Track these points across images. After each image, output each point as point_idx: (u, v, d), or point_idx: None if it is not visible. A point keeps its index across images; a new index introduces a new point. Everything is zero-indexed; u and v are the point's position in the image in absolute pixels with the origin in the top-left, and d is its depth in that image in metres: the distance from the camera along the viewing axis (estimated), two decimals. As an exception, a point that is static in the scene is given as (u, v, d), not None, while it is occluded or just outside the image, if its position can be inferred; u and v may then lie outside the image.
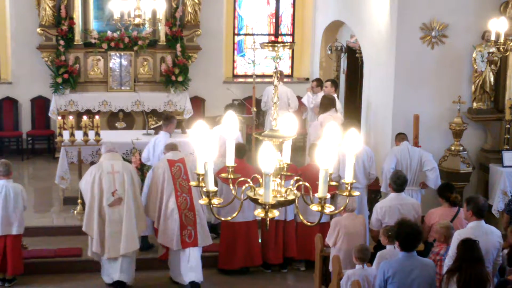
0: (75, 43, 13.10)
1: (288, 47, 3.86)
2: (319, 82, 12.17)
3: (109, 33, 13.16)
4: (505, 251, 6.68)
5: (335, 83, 11.89)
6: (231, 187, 3.82)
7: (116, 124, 13.08)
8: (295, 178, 3.93)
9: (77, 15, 13.05)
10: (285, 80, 13.00)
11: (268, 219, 3.58)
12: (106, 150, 8.61)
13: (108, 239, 8.24)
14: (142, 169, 10.00)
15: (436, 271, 6.32)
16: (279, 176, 3.83)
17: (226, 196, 8.48)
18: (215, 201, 3.72)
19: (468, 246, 5.83)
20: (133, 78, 13.32)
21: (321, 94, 11.87)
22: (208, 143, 3.60)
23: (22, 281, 8.63)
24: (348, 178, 3.74)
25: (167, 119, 10.04)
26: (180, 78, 13.23)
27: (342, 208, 4.18)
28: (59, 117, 11.10)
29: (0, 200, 8.27)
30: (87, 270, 8.85)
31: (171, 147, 8.78)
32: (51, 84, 13.01)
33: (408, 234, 6.05)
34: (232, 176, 3.79)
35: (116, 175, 8.30)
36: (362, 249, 6.83)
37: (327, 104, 10.79)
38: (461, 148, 9.69)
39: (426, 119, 9.72)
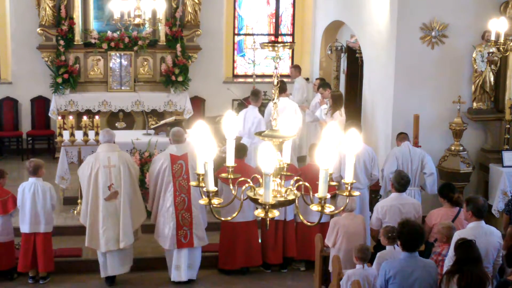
0: (75, 43, 13.10)
1: (288, 47, 3.86)
2: (322, 82, 12.15)
3: (109, 33, 13.16)
4: (504, 252, 6.67)
5: (328, 85, 11.85)
6: (231, 187, 3.82)
7: (116, 124, 13.08)
8: (295, 178, 3.93)
9: (77, 15, 13.05)
10: (285, 80, 12.96)
11: (268, 219, 3.58)
12: (104, 140, 8.66)
13: (104, 233, 8.33)
14: (142, 169, 10.01)
15: (437, 271, 6.32)
16: (279, 176, 3.83)
17: (226, 196, 8.48)
18: (215, 201, 3.72)
19: (466, 247, 5.83)
20: (133, 78, 13.32)
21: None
22: (208, 143, 3.60)
23: (22, 281, 8.64)
24: (348, 178, 3.74)
25: (255, 94, 10.81)
26: (180, 78, 13.23)
27: (342, 208, 4.18)
28: (59, 117, 11.10)
29: (29, 198, 8.37)
30: (87, 270, 8.85)
31: (178, 139, 8.60)
32: (51, 84, 13.01)
33: (410, 234, 6.05)
34: (232, 176, 3.79)
35: (112, 169, 8.37)
36: (363, 248, 6.83)
37: (339, 100, 10.77)
38: (461, 148, 9.69)
39: (426, 119, 9.72)
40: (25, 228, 8.45)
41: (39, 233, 8.46)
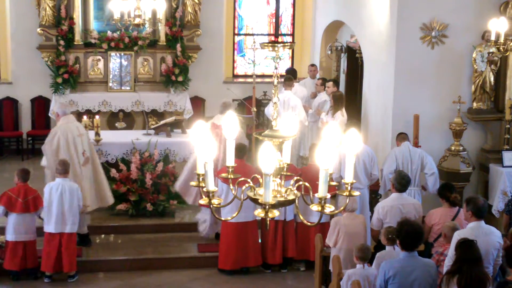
0: (75, 43, 13.09)
1: (288, 47, 3.86)
2: (324, 82, 12.14)
3: (109, 33, 13.16)
4: (503, 252, 6.67)
5: (337, 83, 11.88)
6: (231, 187, 3.82)
7: (116, 124, 13.08)
8: (295, 178, 3.93)
9: (77, 15, 13.05)
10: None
11: (268, 219, 3.58)
12: (63, 113, 9.29)
13: (88, 194, 9.18)
14: (142, 169, 10.01)
15: (439, 271, 6.32)
16: (279, 176, 3.83)
17: (226, 196, 8.49)
18: (215, 201, 3.72)
19: (467, 247, 5.83)
20: (133, 78, 13.31)
21: (322, 94, 11.85)
22: (208, 143, 3.60)
23: (21, 281, 8.64)
24: (348, 178, 3.74)
25: (289, 79, 11.56)
26: (180, 78, 13.23)
27: (342, 208, 4.18)
28: (59, 117, 11.09)
29: (56, 198, 8.44)
30: (87, 270, 8.85)
31: (222, 109, 9.77)
32: (51, 84, 13.01)
33: (409, 233, 6.05)
34: (232, 176, 3.79)
35: (82, 137, 9.26)
36: (363, 248, 6.83)
37: (340, 100, 10.76)
38: (461, 148, 9.69)
39: (426, 119, 9.72)
40: (50, 228, 8.49)
41: (64, 233, 8.50)
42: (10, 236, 8.52)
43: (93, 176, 9.32)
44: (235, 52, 14.69)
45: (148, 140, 10.44)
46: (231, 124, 3.68)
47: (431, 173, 9.03)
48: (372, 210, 8.62)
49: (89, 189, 9.22)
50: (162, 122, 11.31)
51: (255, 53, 12.53)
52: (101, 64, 13.31)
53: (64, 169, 8.52)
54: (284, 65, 14.51)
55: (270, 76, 13.94)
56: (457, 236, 6.36)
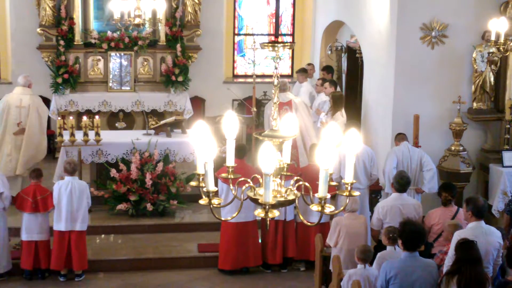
0: (75, 43, 13.09)
1: (288, 47, 3.86)
2: (324, 82, 12.13)
3: (109, 33, 13.15)
4: (504, 251, 6.68)
5: (334, 83, 11.87)
6: (231, 187, 3.82)
7: (116, 124, 13.08)
8: (295, 178, 3.93)
9: (77, 15, 13.04)
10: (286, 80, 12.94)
11: (268, 219, 3.58)
12: (18, 84, 10.29)
13: (10, 162, 9.84)
14: (142, 169, 10.00)
15: (441, 270, 6.32)
16: (279, 176, 3.83)
17: (226, 196, 8.49)
18: (215, 201, 3.72)
19: (467, 247, 5.83)
20: (133, 78, 13.31)
21: (322, 94, 11.85)
22: (208, 143, 3.60)
23: (21, 281, 8.64)
24: (348, 178, 3.74)
25: (303, 71, 12.57)
26: (180, 78, 13.22)
27: (342, 208, 4.18)
28: (59, 117, 11.11)
29: (65, 196, 8.50)
30: (87, 270, 8.85)
31: (282, 87, 10.52)
32: (51, 84, 13.00)
33: (412, 233, 6.05)
34: (232, 176, 3.79)
35: (22, 109, 10.05)
36: (365, 250, 6.82)
37: (339, 100, 10.74)
38: (461, 148, 9.69)
39: (426, 119, 9.72)
40: (60, 226, 8.53)
41: (74, 231, 8.54)
42: (23, 236, 8.60)
43: (25, 143, 10.02)
44: (235, 52, 14.69)
45: (148, 140, 10.44)
46: (231, 124, 3.68)
47: (429, 169, 9.03)
48: (372, 210, 8.62)
49: (15, 157, 9.92)
50: (162, 122, 11.30)
51: (255, 53, 12.53)
52: (101, 64, 13.31)
53: (72, 168, 8.60)
54: (284, 65, 14.54)
55: (270, 76, 13.93)
56: (457, 236, 6.36)
